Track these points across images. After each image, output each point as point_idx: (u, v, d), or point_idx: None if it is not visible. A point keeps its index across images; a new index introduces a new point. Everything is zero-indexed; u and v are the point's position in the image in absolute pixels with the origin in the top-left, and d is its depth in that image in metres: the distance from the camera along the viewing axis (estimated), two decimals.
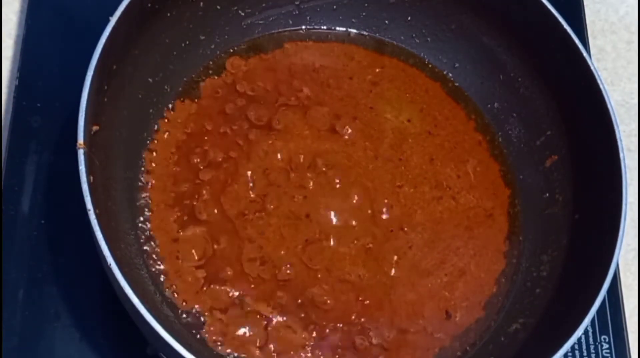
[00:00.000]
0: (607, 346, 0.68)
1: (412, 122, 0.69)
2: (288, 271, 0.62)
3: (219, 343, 0.59)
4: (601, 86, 0.62)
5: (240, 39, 0.70)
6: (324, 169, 0.66)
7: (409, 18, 0.72)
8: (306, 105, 0.69)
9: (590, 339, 0.68)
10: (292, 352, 0.60)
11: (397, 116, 0.70)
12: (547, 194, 0.67)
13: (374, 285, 0.63)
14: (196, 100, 0.67)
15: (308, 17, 0.72)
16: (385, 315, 0.62)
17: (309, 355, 0.60)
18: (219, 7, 0.67)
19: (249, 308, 0.60)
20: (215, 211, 0.63)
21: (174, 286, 0.60)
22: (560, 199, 0.65)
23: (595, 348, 0.68)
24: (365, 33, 0.73)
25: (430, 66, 0.72)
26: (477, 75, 0.71)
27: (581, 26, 0.80)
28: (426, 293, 0.63)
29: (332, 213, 0.64)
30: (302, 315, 0.61)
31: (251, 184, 0.64)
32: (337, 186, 0.66)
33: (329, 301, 0.61)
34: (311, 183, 0.65)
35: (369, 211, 0.65)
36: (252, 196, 0.64)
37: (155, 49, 0.64)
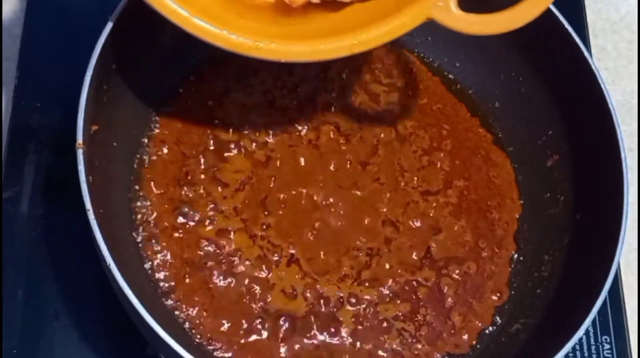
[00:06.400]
0: (608, 346, 0.67)
1: (412, 122, 0.69)
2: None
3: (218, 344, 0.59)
4: (602, 86, 0.62)
5: None
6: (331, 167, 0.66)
7: None
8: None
9: (592, 339, 0.68)
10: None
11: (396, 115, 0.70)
12: (549, 194, 0.66)
13: None
14: (196, 100, 0.67)
15: None
16: None
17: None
18: None
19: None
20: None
21: (174, 286, 0.60)
22: (561, 199, 0.65)
23: (597, 348, 0.67)
24: None
25: (430, 65, 0.72)
26: (477, 74, 0.71)
27: (582, 25, 0.80)
28: None
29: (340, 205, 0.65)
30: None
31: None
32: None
33: None
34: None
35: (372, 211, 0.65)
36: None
37: (155, 49, 0.64)
